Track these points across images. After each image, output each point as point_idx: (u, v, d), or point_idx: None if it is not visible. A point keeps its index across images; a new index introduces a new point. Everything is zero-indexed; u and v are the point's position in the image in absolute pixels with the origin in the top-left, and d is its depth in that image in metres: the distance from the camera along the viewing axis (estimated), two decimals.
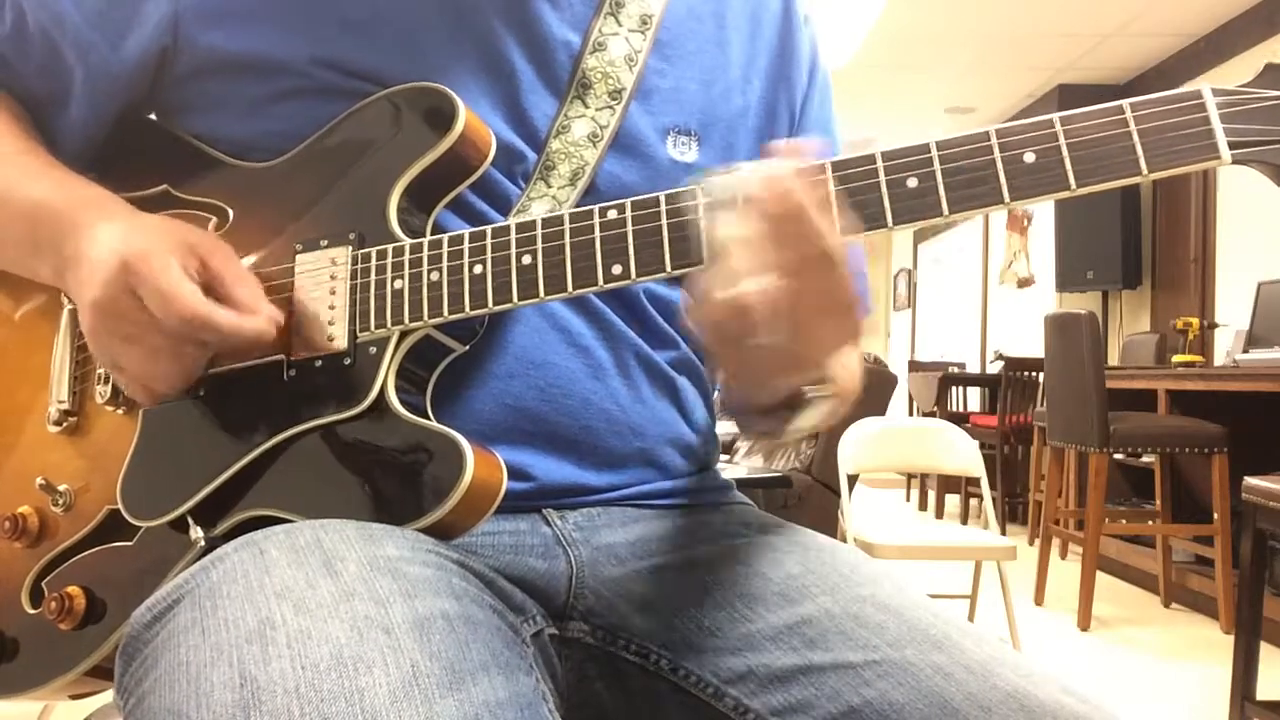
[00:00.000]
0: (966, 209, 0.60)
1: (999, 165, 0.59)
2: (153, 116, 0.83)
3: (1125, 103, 0.58)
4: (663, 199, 0.64)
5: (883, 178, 0.60)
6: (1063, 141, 0.58)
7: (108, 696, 0.70)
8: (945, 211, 0.60)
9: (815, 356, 0.63)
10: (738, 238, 0.58)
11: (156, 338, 0.67)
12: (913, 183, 0.60)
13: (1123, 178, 0.58)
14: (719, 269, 0.58)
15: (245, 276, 0.70)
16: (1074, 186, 0.58)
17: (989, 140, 0.59)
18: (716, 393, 0.92)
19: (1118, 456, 4.51)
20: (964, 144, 0.60)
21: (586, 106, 0.78)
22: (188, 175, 0.79)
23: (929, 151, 0.60)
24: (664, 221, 0.64)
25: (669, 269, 0.64)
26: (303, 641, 0.51)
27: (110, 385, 0.78)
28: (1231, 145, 0.57)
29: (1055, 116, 0.59)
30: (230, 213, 0.77)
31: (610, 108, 0.78)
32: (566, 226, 0.66)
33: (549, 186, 0.76)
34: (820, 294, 0.59)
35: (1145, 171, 0.57)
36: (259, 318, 0.69)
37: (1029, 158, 0.59)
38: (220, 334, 0.67)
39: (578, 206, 0.75)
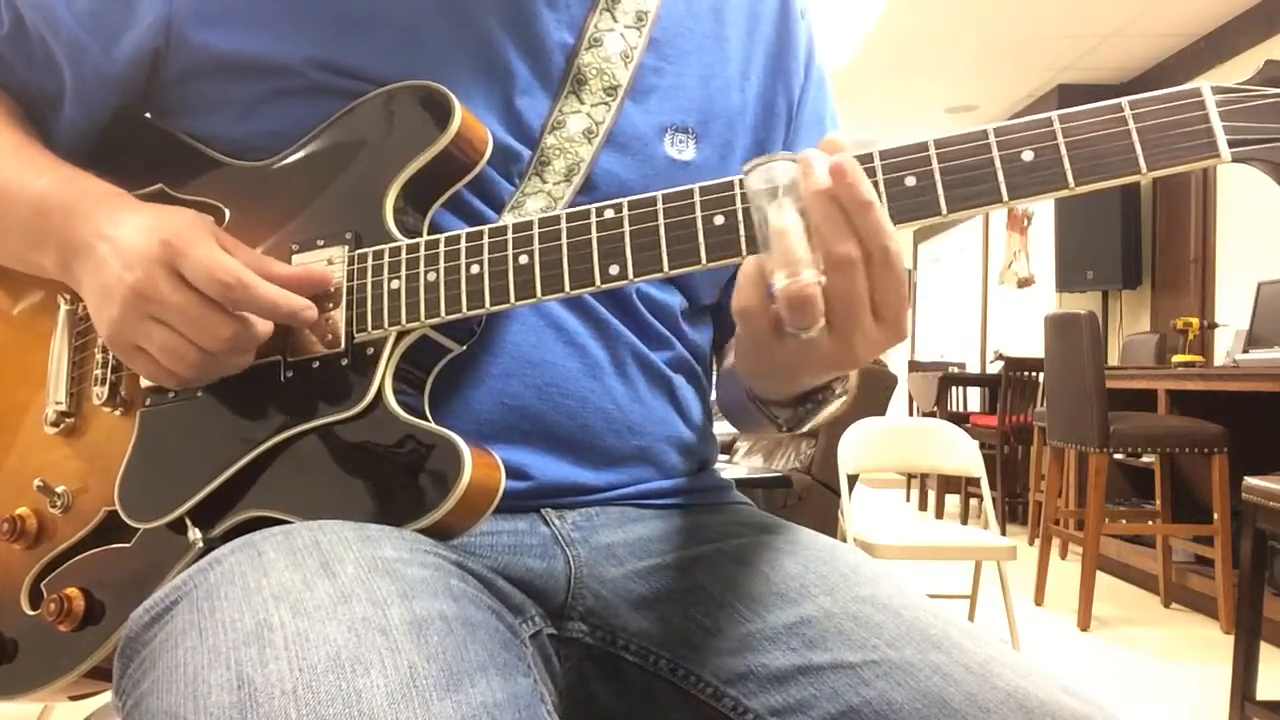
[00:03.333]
0: (965, 208, 0.59)
1: (997, 164, 0.59)
2: (149, 115, 0.83)
3: (1124, 101, 0.58)
4: (660, 199, 0.64)
5: (880, 177, 0.60)
6: (1061, 140, 0.58)
7: (107, 697, 0.69)
8: (943, 211, 0.59)
9: (860, 355, 0.61)
10: (801, 226, 0.57)
11: (188, 312, 0.67)
12: (911, 181, 0.60)
13: (1122, 176, 0.57)
14: (778, 256, 0.57)
15: (277, 263, 0.71)
16: (1072, 185, 0.58)
17: (987, 139, 0.59)
18: (714, 394, 0.92)
19: (1118, 456, 4.51)
20: (962, 142, 0.59)
21: (582, 102, 0.77)
22: (183, 175, 0.79)
23: (927, 150, 0.60)
24: (661, 221, 0.64)
25: (666, 269, 0.63)
26: (300, 643, 0.51)
27: (107, 386, 0.78)
28: (1231, 143, 0.56)
29: (1054, 115, 0.58)
30: (226, 213, 0.77)
31: (606, 104, 0.78)
32: (563, 226, 0.66)
33: (544, 182, 0.76)
34: (878, 292, 0.58)
35: (1144, 170, 0.57)
36: (297, 297, 0.69)
37: (1027, 156, 0.58)
38: (262, 304, 0.68)
39: (574, 203, 0.76)
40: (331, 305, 0.71)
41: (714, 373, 0.94)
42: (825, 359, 0.62)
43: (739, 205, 0.62)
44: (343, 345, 0.70)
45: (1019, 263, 7.20)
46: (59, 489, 0.79)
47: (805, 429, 0.76)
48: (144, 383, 0.76)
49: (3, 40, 0.78)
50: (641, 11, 0.80)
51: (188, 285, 0.67)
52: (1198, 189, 5.50)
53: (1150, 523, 4.34)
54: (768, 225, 0.58)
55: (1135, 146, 0.57)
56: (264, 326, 0.69)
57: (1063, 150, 0.58)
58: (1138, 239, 5.98)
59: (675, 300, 0.84)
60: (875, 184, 0.60)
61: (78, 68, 0.78)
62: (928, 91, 6.71)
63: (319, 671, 0.49)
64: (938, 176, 0.59)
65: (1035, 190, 0.58)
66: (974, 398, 7.09)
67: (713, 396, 0.91)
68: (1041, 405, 4.73)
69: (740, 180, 0.62)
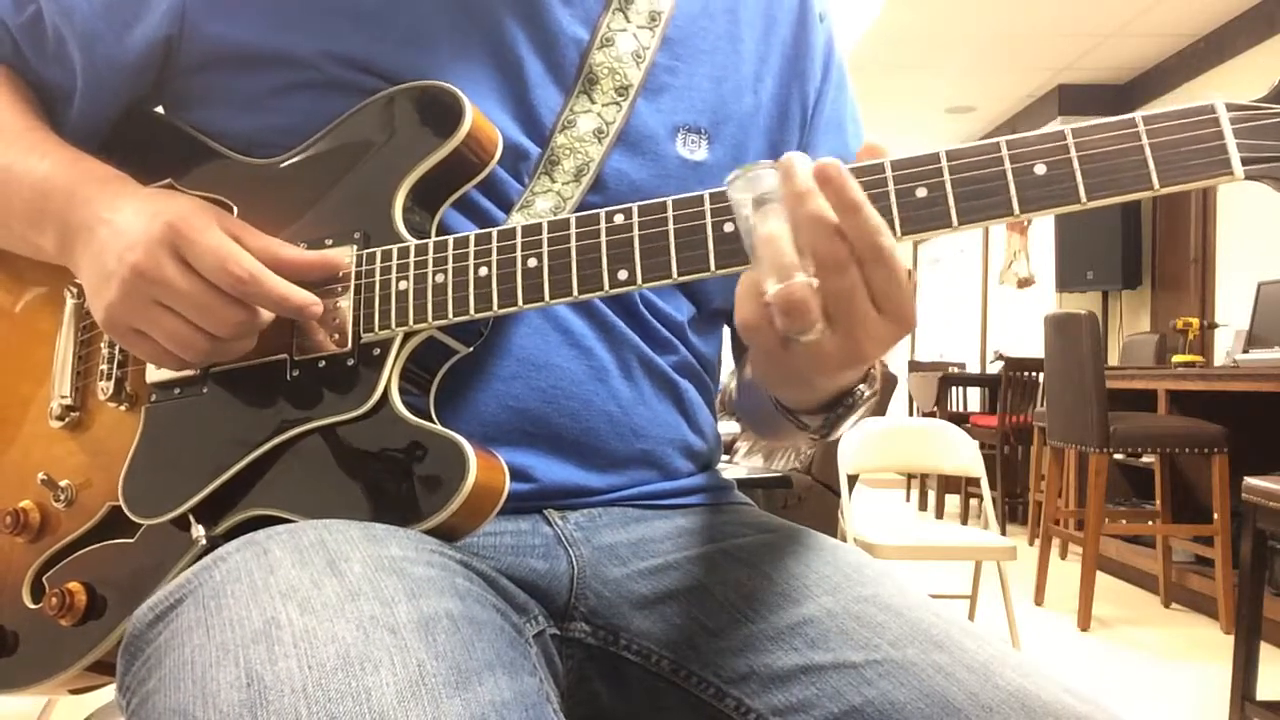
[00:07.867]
0: (976, 220, 0.59)
1: (1009, 177, 0.58)
2: (160, 110, 0.83)
3: (1138, 115, 0.57)
4: (670, 204, 0.63)
5: (891, 187, 0.59)
6: (1074, 154, 0.57)
7: (109, 694, 0.70)
8: (954, 222, 0.58)
9: (870, 352, 0.60)
10: (787, 231, 0.57)
11: (198, 299, 0.67)
12: (922, 193, 0.59)
13: (1134, 191, 0.56)
14: (767, 264, 0.57)
15: (288, 248, 0.71)
16: (1084, 200, 0.57)
17: (999, 151, 0.58)
18: (719, 396, 0.91)
19: (1118, 456, 4.51)
20: (974, 154, 0.59)
21: (593, 102, 0.77)
22: (192, 169, 0.79)
23: (939, 162, 0.59)
24: (670, 227, 0.63)
25: (675, 275, 0.63)
26: (309, 641, 0.51)
27: (113, 381, 0.78)
28: (1244, 161, 0.55)
29: (1067, 129, 0.58)
30: (235, 209, 0.77)
31: (617, 104, 0.78)
32: (573, 230, 0.65)
33: (553, 182, 0.76)
34: (875, 288, 0.58)
35: (1157, 186, 0.56)
36: (305, 293, 0.69)
37: (1040, 169, 0.57)
38: (271, 298, 0.68)
39: (584, 203, 0.75)
40: (340, 294, 0.71)
41: (724, 378, 0.94)
42: (835, 359, 0.61)
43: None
44: (350, 345, 0.70)
45: (1019, 263, 7.19)
46: (63, 483, 0.79)
47: (841, 433, 0.75)
48: (150, 378, 0.76)
49: (19, 28, 0.78)
50: (655, 12, 0.80)
51: (193, 271, 0.67)
52: (1198, 189, 5.49)
53: (1150, 523, 4.35)
54: (754, 234, 0.58)
55: (1148, 162, 0.56)
56: (269, 313, 0.70)
57: (1075, 165, 0.57)
58: (1138, 239, 5.98)
59: (683, 310, 0.83)
60: (885, 194, 0.59)
61: (90, 56, 0.78)
62: (927, 91, 6.70)
63: (328, 669, 0.49)
64: (949, 188, 0.58)
65: (1047, 204, 0.57)
66: (974, 398, 7.09)
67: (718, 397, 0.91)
68: (1041, 405, 4.73)
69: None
